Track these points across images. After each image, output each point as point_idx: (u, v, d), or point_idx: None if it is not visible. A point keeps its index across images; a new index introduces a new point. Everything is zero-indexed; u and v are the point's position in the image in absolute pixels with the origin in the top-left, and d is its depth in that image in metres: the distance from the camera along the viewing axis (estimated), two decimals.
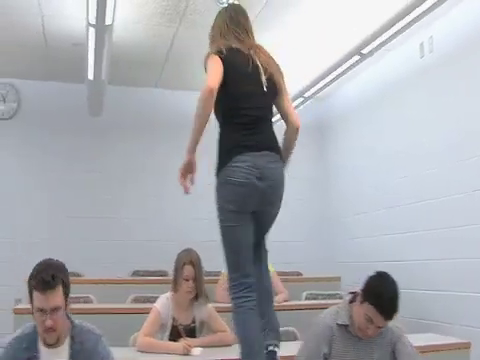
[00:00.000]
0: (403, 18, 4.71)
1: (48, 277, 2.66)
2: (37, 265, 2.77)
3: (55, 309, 2.65)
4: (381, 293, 2.97)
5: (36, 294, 2.66)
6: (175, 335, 3.82)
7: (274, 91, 3.15)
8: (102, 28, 4.66)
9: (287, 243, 7.11)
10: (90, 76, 5.67)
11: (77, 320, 2.87)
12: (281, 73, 3.22)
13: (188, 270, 3.88)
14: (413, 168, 5.95)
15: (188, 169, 2.96)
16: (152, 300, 4.10)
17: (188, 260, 3.93)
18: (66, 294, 2.75)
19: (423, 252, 5.71)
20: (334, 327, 3.07)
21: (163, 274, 6.23)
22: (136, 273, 6.38)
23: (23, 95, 7.21)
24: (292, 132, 3.23)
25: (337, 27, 5.53)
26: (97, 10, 4.36)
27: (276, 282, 5.28)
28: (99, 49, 5.05)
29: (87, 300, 5.25)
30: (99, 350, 2.79)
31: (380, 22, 4.98)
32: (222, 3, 5.33)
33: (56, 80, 7.10)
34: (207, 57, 3.07)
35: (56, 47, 6.18)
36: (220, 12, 3.39)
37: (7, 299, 6.87)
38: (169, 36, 5.97)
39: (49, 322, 2.64)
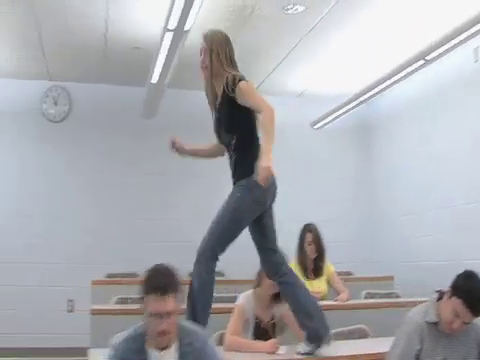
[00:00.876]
0: (472, 27, 4.78)
1: (164, 282, 2.69)
2: (151, 270, 2.78)
3: (169, 313, 2.67)
4: (470, 289, 3.04)
5: (151, 299, 2.67)
6: (258, 333, 3.88)
7: None
8: (180, 33, 4.72)
9: (336, 243, 7.17)
10: (154, 79, 5.73)
11: (182, 321, 2.90)
12: None
13: None
14: (464, 169, 6.03)
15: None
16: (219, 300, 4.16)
17: None
18: (179, 298, 2.78)
19: (477, 252, 5.79)
20: (424, 325, 3.11)
21: (220, 275, 6.31)
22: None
23: (74, 98, 7.30)
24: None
25: (403, 30, 5.61)
26: (180, 16, 4.42)
27: (337, 282, 5.37)
28: (171, 54, 5.12)
29: None
30: (207, 350, 2.81)
31: (448, 28, 5.05)
32: (287, 10, 5.45)
33: (110, 83, 7.18)
34: (244, 83, 3.28)
35: (116, 50, 6.26)
36: (226, 38, 3.55)
37: (62, 299, 7.03)
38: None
39: (163, 326, 2.65)
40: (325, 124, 7.39)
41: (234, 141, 3.41)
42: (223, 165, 7.22)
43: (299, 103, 7.68)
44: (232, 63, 3.43)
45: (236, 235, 3.41)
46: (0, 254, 6.81)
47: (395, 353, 3.14)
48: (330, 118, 7.18)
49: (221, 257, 5.80)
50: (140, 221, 7.18)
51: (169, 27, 4.63)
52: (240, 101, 3.25)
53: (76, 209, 7.17)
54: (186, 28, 4.66)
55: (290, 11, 5.42)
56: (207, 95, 3.59)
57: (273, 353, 3.59)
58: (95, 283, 5.88)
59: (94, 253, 7.05)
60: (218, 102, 3.42)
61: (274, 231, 3.59)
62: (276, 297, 3.95)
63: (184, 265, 6.57)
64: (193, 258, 6.77)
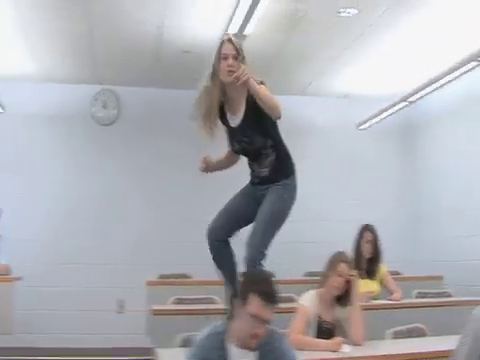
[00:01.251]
0: None
1: (275, 292, 2.77)
2: (259, 273, 2.94)
3: (269, 321, 2.76)
4: None
5: (259, 302, 2.72)
6: (320, 333, 3.94)
7: None
8: (240, 38, 4.80)
9: (382, 244, 7.23)
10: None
11: None
12: None
13: (342, 267, 4.00)
14: None
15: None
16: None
17: (344, 259, 4.05)
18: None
19: None
20: None
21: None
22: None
23: (123, 101, 7.44)
24: None
25: (454, 32, 5.62)
26: (243, 20, 4.52)
27: (390, 282, 5.40)
28: None
29: (211, 301, 5.38)
30: (285, 349, 2.88)
31: None
32: (340, 13, 5.50)
33: (159, 86, 7.30)
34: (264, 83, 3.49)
35: (167, 55, 6.36)
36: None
37: (111, 300, 7.15)
38: (279, 42, 6.11)
39: (261, 331, 2.74)
40: (371, 125, 7.43)
41: (270, 142, 3.53)
42: None
43: (344, 104, 7.73)
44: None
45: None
46: (53, 256, 6.96)
47: (462, 352, 3.17)
48: (376, 119, 7.22)
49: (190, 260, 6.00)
50: (190, 222, 7.27)
51: (230, 31, 4.72)
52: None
53: (125, 211, 7.30)
54: (247, 33, 4.75)
55: (343, 14, 5.47)
56: (210, 101, 3.58)
57: (337, 351, 3.67)
58: (149, 284, 5.99)
59: (144, 254, 7.17)
60: (243, 108, 3.49)
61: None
62: (339, 298, 4.03)
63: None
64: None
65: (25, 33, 5.80)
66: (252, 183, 3.73)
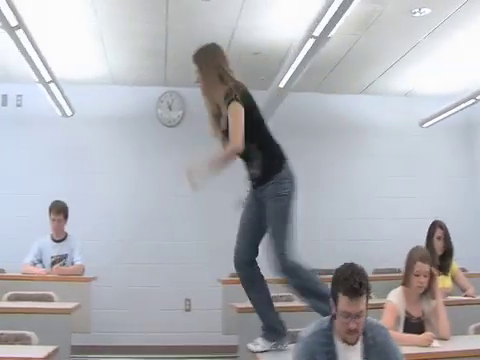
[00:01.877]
0: None
1: (356, 285, 2.79)
2: (344, 269, 2.90)
3: (359, 314, 2.79)
4: None
5: (344, 299, 2.79)
6: (409, 328, 3.98)
7: None
8: (323, 40, 4.88)
9: None
10: (281, 84, 5.90)
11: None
12: None
13: (419, 266, 4.04)
14: None
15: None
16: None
17: (419, 257, 4.08)
18: (368, 298, 2.88)
19: None
20: None
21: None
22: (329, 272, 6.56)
23: (188, 103, 7.53)
24: None
25: None
26: (328, 23, 4.57)
27: (462, 278, 5.42)
28: (306, 59, 5.28)
29: (288, 298, 5.43)
30: (389, 343, 2.92)
31: None
32: (414, 13, 5.54)
33: None
34: (236, 104, 3.54)
35: (236, 56, 6.39)
36: (214, 51, 3.91)
37: (179, 299, 7.26)
38: (348, 43, 6.16)
39: (353, 325, 2.79)
40: (434, 123, 7.46)
41: (255, 145, 3.61)
42: (336, 166, 7.44)
43: (406, 103, 7.77)
44: (224, 74, 3.70)
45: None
46: (123, 256, 7.11)
47: None
48: (440, 117, 7.24)
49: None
50: None
51: (315, 34, 4.77)
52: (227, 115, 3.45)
53: (189, 212, 7.39)
54: (330, 35, 4.81)
55: (417, 14, 5.50)
56: (208, 108, 3.85)
57: (428, 346, 3.71)
58: (225, 282, 6.08)
59: (210, 254, 7.27)
60: (225, 114, 3.54)
61: None
62: (424, 293, 4.07)
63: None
64: (322, 255, 7.00)
65: (101, 36, 5.94)
66: (251, 186, 3.79)
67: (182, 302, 7.27)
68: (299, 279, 3.53)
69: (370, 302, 2.87)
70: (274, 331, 3.56)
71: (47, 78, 5.69)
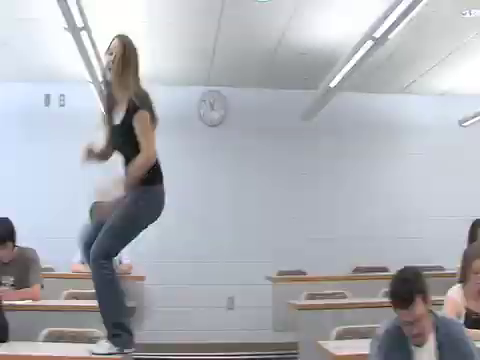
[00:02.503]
0: None
1: (405, 294, 2.78)
2: (391, 282, 2.89)
3: (417, 319, 2.79)
4: None
5: (397, 311, 2.82)
6: (469, 323, 4.01)
7: None
8: (383, 41, 4.92)
9: None
10: (332, 83, 5.95)
11: (438, 311, 3.01)
12: None
13: (477, 264, 4.06)
14: None
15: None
16: None
17: (478, 255, 4.11)
18: (425, 297, 2.84)
19: None
20: None
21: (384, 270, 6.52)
22: (357, 269, 6.64)
23: (230, 102, 7.60)
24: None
25: None
26: (391, 25, 4.62)
27: None
28: (362, 60, 5.32)
29: (341, 296, 5.51)
30: (464, 339, 2.90)
31: None
32: (464, 14, 5.57)
33: (268, 87, 7.46)
34: (144, 113, 3.35)
35: (283, 56, 6.48)
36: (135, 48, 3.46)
37: (221, 297, 7.32)
38: (396, 43, 6.12)
39: (415, 331, 2.81)
40: (474, 122, 7.49)
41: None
42: (375, 165, 7.47)
43: (446, 101, 7.78)
44: (137, 76, 3.40)
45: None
46: (167, 255, 7.16)
47: None
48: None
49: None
50: (296, 220, 7.46)
51: (375, 35, 4.82)
52: (134, 124, 3.26)
53: (232, 210, 7.48)
54: (390, 36, 4.86)
55: (467, 15, 5.53)
56: (104, 97, 3.53)
57: None
58: (276, 280, 6.15)
59: (252, 252, 7.36)
60: (123, 113, 3.30)
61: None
62: None
63: (349, 260, 6.86)
64: (361, 252, 7.04)
65: (150, 36, 5.96)
66: None
67: (225, 300, 7.33)
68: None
69: None
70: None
71: (101, 78, 5.72)
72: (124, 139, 3.33)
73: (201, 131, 7.53)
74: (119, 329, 3.24)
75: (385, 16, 4.55)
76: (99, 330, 3.48)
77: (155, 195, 3.50)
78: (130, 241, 3.37)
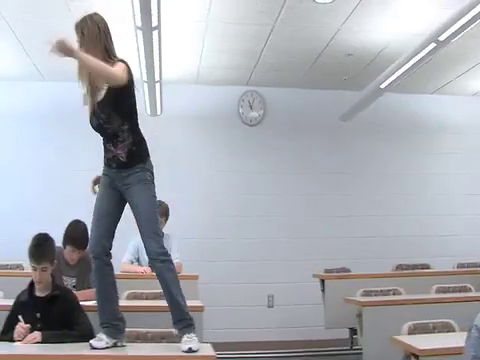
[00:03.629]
0: None
1: None
2: None
3: None
4: None
5: None
6: None
7: None
8: (445, 44, 5.02)
9: None
10: (383, 85, 6.04)
11: None
12: None
13: None
14: None
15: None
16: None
17: None
18: None
19: None
20: None
21: (425, 267, 6.63)
22: (399, 267, 6.73)
23: (269, 102, 7.67)
24: None
25: None
26: (457, 30, 4.72)
27: None
28: (419, 62, 5.43)
29: (396, 292, 5.58)
30: None
31: None
32: None
33: (309, 87, 7.54)
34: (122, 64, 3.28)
35: (329, 57, 6.56)
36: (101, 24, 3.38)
37: (261, 295, 7.38)
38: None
39: None
40: None
41: (127, 126, 3.34)
42: (411, 165, 7.57)
43: (477, 102, 7.98)
44: (107, 49, 3.32)
45: None
46: (208, 254, 7.19)
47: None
48: None
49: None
50: (337, 218, 7.56)
51: (440, 38, 4.92)
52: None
53: (270, 209, 7.54)
54: (454, 40, 4.97)
55: None
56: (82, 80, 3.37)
57: None
58: (328, 278, 6.21)
59: (291, 251, 7.45)
60: (106, 85, 3.27)
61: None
62: None
63: (388, 258, 6.96)
64: (397, 250, 7.13)
65: (203, 37, 6.04)
66: (108, 166, 3.44)
67: (265, 298, 7.39)
68: (170, 264, 3.37)
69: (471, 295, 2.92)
70: (116, 327, 3.37)
71: (157, 77, 5.77)
72: (110, 109, 3.28)
73: (240, 130, 7.60)
74: (189, 317, 3.36)
75: (454, 21, 4.64)
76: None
77: (150, 168, 3.45)
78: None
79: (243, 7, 5.41)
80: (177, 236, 5.88)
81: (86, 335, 3.34)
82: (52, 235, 3.67)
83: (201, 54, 6.48)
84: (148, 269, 5.43)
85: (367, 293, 5.52)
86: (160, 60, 5.42)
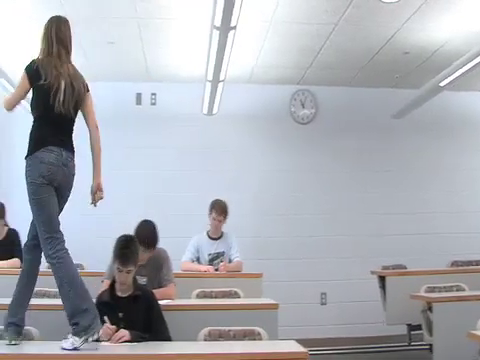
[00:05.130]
0: None
1: None
2: None
3: None
4: None
5: None
6: None
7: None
8: None
9: None
10: (443, 83, 6.09)
11: None
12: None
13: None
14: None
15: None
16: None
17: None
18: None
19: None
20: None
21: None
22: (455, 263, 6.76)
23: (320, 101, 7.72)
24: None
25: None
26: None
27: None
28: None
29: (459, 288, 5.60)
30: None
31: None
32: None
33: (360, 86, 7.60)
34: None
35: (385, 55, 6.58)
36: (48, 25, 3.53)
37: (314, 293, 7.42)
38: None
39: None
40: None
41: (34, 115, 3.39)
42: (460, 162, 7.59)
43: None
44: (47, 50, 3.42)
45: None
46: (261, 252, 7.20)
47: None
48: None
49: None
50: (388, 216, 7.61)
51: None
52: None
53: (325, 208, 7.59)
54: None
55: None
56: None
57: None
58: (389, 275, 6.24)
59: (344, 249, 7.50)
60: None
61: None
62: None
63: (441, 255, 7.00)
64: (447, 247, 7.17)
65: (265, 37, 6.08)
66: None
67: (318, 296, 7.44)
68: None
69: None
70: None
71: (222, 77, 5.83)
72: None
73: (292, 129, 7.65)
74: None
75: None
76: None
77: (30, 165, 3.30)
78: (48, 218, 3.27)
79: (309, 7, 5.44)
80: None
81: (166, 339, 3.46)
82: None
83: (259, 54, 6.54)
84: (211, 268, 5.52)
85: (431, 289, 5.56)
86: (229, 60, 5.48)
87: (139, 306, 3.56)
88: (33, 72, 3.32)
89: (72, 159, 3.40)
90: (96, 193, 3.52)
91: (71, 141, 3.45)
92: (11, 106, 3.38)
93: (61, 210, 3.39)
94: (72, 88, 3.37)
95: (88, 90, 3.54)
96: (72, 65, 3.47)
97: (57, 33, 3.44)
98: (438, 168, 7.77)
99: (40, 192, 3.24)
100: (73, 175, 3.42)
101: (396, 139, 7.73)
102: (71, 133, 3.47)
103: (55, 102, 3.31)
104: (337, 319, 7.29)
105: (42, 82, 3.30)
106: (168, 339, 3.52)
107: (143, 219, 4.50)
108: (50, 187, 3.27)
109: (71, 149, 3.42)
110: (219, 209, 5.63)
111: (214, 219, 5.63)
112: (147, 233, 4.41)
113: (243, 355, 3.10)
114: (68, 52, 3.48)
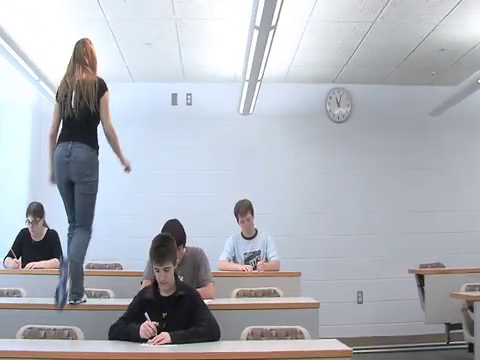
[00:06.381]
0: None
1: None
2: None
3: None
4: None
5: None
6: None
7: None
8: None
9: None
10: None
11: None
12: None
13: None
14: None
15: None
16: None
17: None
18: None
19: None
20: None
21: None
22: None
23: (355, 99, 7.72)
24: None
25: None
26: None
27: None
28: None
29: None
30: None
31: None
32: None
33: (396, 83, 7.58)
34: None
35: (421, 52, 6.56)
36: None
37: (350, 292, 7.41)
38: None
39: None
40: None
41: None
42: None
43: None
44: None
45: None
46: (296, 250, 7.20)
47: None
48: None
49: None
50: (425, 214, 7.57)
51: None
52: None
53: (360, 206, 7.59)
54: None
55: None
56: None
57: None
58: (428, 273, 6.22)
59: (380, 247, 7.50)
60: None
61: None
62: None
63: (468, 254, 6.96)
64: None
65: (301, 36, 6.11)
66: None
67: (354, 295, 7.43)
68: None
69: None
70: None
71: (260, 76, 5.86)
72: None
73: (327, 127, 7.66)
74: None
75: None
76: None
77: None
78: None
79: (346, 5, 5.44)
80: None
81: (212, 331, 3.41)
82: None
83: (295, 53, 6.56)
84: (249, 267, 5.53)
85: (471, 288, 5.52)
86: (267, 60, 5.50)
87: (183, 306, 3.51)
88: (56, 95, 4.13)
89: (80, 146, 3.91)
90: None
91: (83, 134, 3.95)
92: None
93: (83, 194, 3.94)
94: (79, 94, 3.95)
95: (106, 90, 4.04)
96: (88, 73, 4.04)
97: (74, 54, 4.10)
98: (476, 165, 7.70)
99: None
100: (81, 161, 3.90)
101: (433, 137, 7.68)
102: (83, 128, 3.97)
103: (65, 110, 3.98)
104: (373, 318, 7.27)
105: (57, 99, 4.08)
106: (216, 327, 3.46)
107: (170, 219, 4.54)
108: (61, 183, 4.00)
109: (82, 140, 3.93)
110: (242, 210, 5.63)
111: (242, 222, 5.65)
112: (173, 231, 4.35)
113: (289, 353, 3.10)
114: (86, 65, 4.05)
